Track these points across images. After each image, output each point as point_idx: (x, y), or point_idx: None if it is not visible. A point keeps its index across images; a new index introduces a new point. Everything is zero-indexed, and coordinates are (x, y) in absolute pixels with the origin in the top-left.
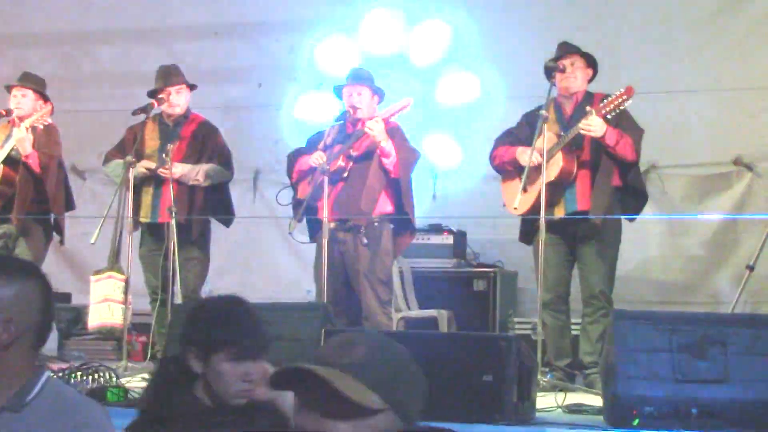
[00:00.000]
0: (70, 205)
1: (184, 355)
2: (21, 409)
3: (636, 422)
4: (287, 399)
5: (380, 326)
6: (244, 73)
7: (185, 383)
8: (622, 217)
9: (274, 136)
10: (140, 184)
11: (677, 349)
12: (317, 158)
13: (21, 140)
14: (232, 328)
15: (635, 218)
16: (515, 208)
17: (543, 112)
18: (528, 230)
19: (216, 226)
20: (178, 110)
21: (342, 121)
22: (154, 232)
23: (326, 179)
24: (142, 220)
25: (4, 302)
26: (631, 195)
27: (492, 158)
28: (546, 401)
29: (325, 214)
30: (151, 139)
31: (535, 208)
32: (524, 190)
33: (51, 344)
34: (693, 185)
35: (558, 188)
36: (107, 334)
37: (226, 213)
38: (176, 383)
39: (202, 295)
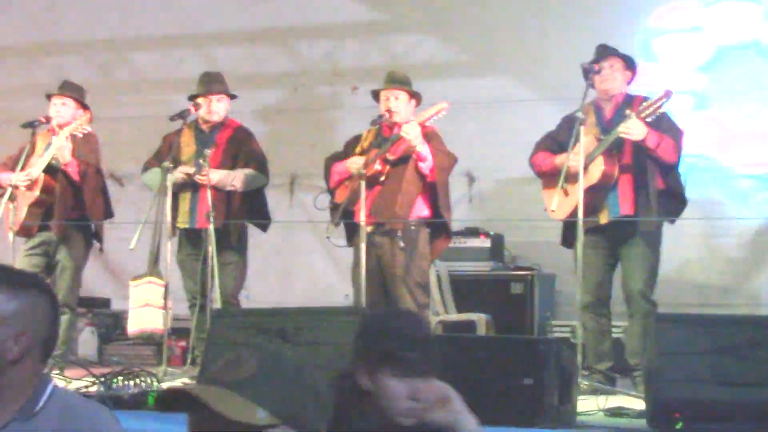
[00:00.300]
0: (108, 212)
1: (353, 370)
2: (30, 419)
3: (679, 425)
4: (467, 423)
5: None
6: (280, 77)
7: (357, 400)
8: (664, 219)
9: (310, 141)
10: (177, 190)
11: (720, 351)
12: (354, 163)
13: (60, 149)
14: (398, 342)
15: (675, 221)
16: (552, 211)
17: (579, 114)
18: (569, 234)
19: (252, 231)
20: (216, 118)
21: (378, 125)
22: (191, 238)
23: (363, 183)
24: (180, 225)
25: (14, 315)
26: (672, 198)
27: (531, 164)
28: (587, 405)
29: (362, 217)
30: (187, 146)
31: (576, 212)
32: (565, 193)
33: (91, 349)
34: (734, 186)
35: (600, 192)
36: (147, 339)
37: (262, 217)
38: (349, 400)
39: (240, 299)
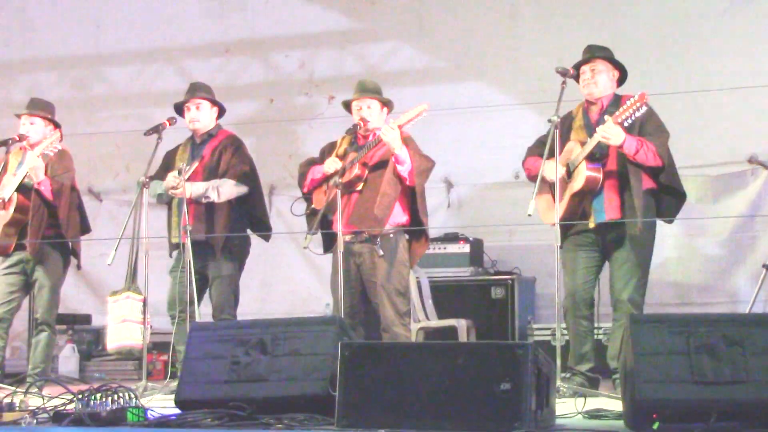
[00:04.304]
0: (85, 228)
1: None
2: None
3: (656, 426)
4: None
5: (399, 338)
6: (256, 89)
7: None
8: (652, 219)
9: (288, 151)
10: (169, 204)
11: (695, 351)
12: (333, 163)
13: (33, 168)
14: None
15: (673, 220)
16: (529, 215)
17: (553, 118)
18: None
19: (256, 242)
20: (198, 125)
21: (353, 134)
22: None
23: (339, 192)
24: (173, 240)
25: None
26: (668, 195)
27: (523, 169)
28: (566, 408)
29: (339, 227)
30: (181, 160)
31: (569, 217)
32: (555, 199)
33: (72, 366)
34: (708, 185)
35: (586, 197)
36: (126, 354)
37: (264, 228)
38: None
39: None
